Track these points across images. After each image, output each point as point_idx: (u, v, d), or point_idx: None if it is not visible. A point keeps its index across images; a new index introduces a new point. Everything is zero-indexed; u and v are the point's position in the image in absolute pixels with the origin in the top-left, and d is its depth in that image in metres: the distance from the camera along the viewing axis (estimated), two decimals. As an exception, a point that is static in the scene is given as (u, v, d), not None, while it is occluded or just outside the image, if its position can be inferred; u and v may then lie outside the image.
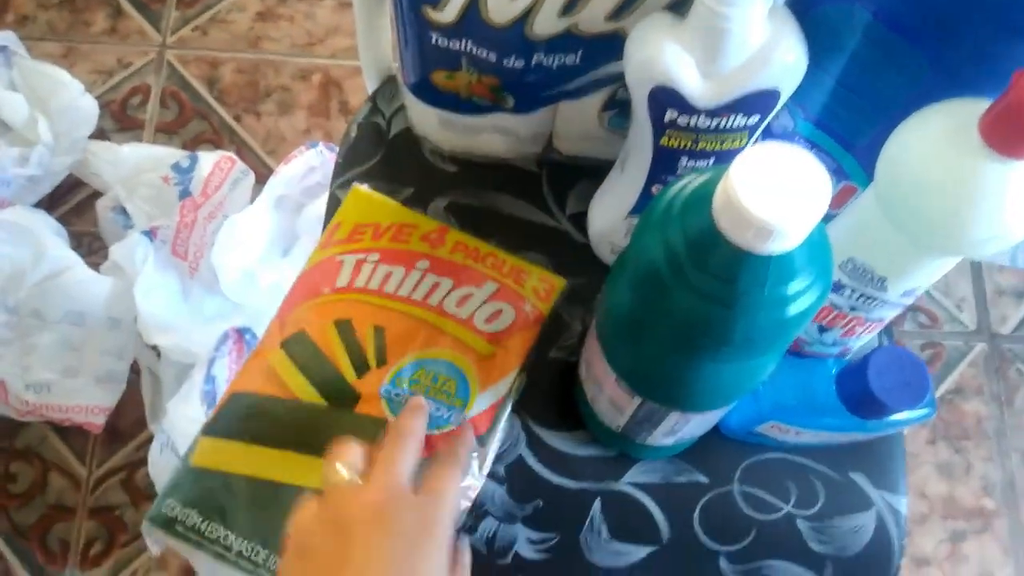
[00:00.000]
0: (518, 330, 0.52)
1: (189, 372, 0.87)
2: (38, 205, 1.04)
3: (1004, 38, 0.37)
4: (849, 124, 0.46)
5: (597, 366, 0.44)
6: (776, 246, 0.29)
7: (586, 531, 0.51)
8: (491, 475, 0.50)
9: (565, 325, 0.55)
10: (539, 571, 0.51)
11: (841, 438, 0.50)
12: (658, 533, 0.51)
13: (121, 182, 1.00)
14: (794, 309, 0.32)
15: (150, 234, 0.94)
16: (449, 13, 0.45)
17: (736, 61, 0.39)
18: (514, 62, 0.48)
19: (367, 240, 0.54)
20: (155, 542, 0.47)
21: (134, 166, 1.00)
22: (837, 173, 0.49)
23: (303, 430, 0.48)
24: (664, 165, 0.46)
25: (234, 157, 1.00)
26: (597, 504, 0.51)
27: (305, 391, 0.49)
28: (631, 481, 0.52)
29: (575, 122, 0.55)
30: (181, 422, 0.82)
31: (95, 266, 0.98)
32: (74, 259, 0.97)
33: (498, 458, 0.51)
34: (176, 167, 0.97)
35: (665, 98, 0.41)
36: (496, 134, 0.57)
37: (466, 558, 0.44)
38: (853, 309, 0.46)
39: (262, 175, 1.02)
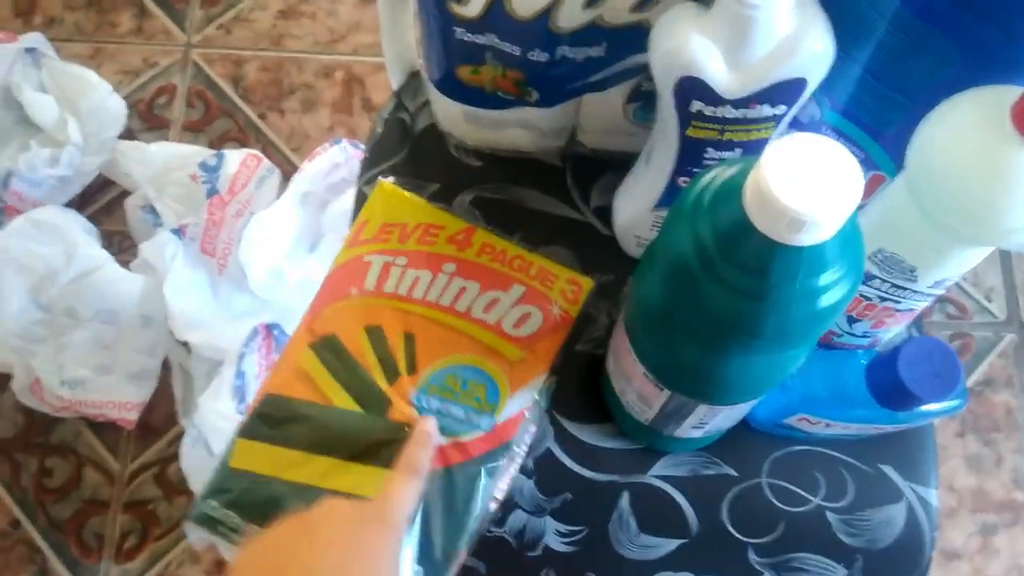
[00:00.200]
0: (546, 333, 0.52)
1: (219, 368, 0.88)
2: (69, 205, 1.06)
3: (1036, 24, 0.36)
4: (877, 113, 0.46)
5: (625, 360, 0.44)
6: (809, 237, 0.29)
7: (614, 524, 0.51)
8: (520, 469, 0.50)
9: (591, 319, 0.55)
10: (568, 563, 0.51)
11: (871, 430, 0.49)
12: (687, 526, 0.51)
13: (150, 181, 1.01)
14: (826, 301, 0.32)
15: (179, 232, 0.96)
16: (474, 7, 0.45)
17: (763, 50, 0.39)
18: (539, 55, 0.48)
19: (394, 241, 0.54)
20: (198, 539, 0.48)
21: (162, 165, 1.01)
22: (865, 163, 0.48)
23: (338, 435, 0.48)
24: (690, 156, 0.46)
25: (260, 155, 1.01)
26: (625, 497, 0.51)
27: (339, 395, 0.49)
28: (659, 474, 0.52)
29: (599, 115, 0.55)
30: (212, 417, 0.83)
31: (125, 264, 0.99)
32: (105, 258, 0.98)
33: (527, 453, 0.51)
34: (203, 165, 0.98)
35: (691, 89, 0.41)
36: (520, 128, 0.57)
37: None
38: (883, 300, 0.45)
39: (287, 172, 1.03)
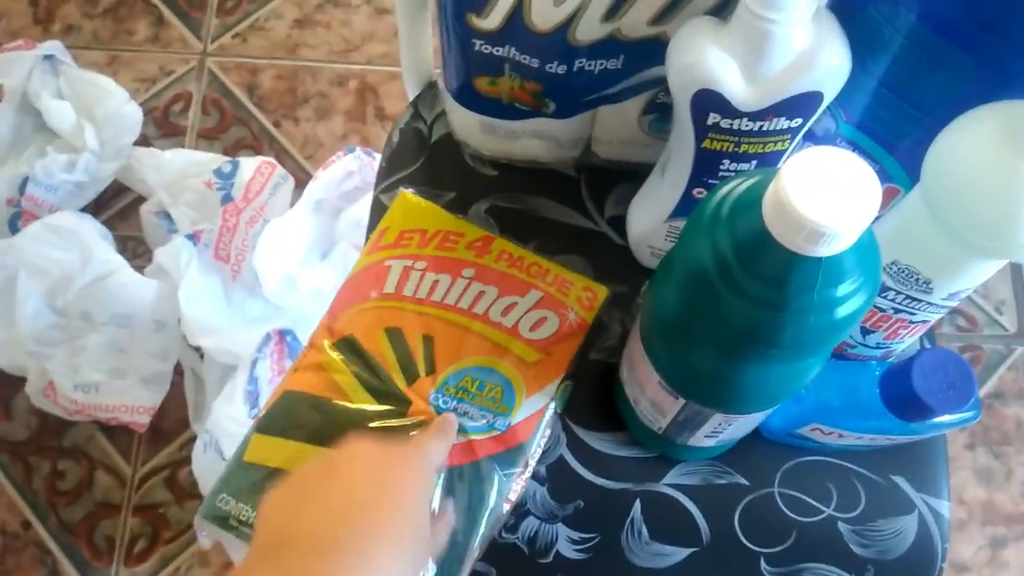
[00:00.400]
0: (562, 338, 0.52)
1: (232, 373, 0.89)
2: (84, 210, 1.07)
3: (1052, 40, 0.37)
4: (892, 126, 0.46)
5: (640, 368, 0.45)
6: (827, 248, 0.30)
7: (627, 532, 0.51)
8: (533, 475, 0.51)
9: (604, 327, 0.56)
10: (580, 571, 0.51)
11: (883, 441, 0.50)
12: (699, 535, 0.51)
13: (165, 187, 1.02)
14: (843, 311, 0.32)
15: (193, 238, 0.96)
16: (493, 20, 0.46)
17: (780, 64, 0.40)
18: (557, 67, 0.48)
19: (414, 246, 0.55)
20: (206, 536, 0.48)
21: (177, 172, 1.02)
22: (879, 175, 0.48)
23: (355, 430, 0.49)
24: (705, 168, 0.46)
25: (274, 162, 1.02)
26: (637, 505, 0.51)
27: (358, 394, 0.50)
28: (671, 483, 0.52)
29: (615, 127, 0.55)
30: (224, 422, 0.84)
31: (140, 269, 1.00)
32: (120, 263, 0.99)
33: (540, 458, 0.51)
34: (218, 172, 0.99)
35: (708, 101, 0.41)
36: (536, 139, 0.57)
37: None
38: (897, 311, 0.46)
39: (301, 180, 1.03)
